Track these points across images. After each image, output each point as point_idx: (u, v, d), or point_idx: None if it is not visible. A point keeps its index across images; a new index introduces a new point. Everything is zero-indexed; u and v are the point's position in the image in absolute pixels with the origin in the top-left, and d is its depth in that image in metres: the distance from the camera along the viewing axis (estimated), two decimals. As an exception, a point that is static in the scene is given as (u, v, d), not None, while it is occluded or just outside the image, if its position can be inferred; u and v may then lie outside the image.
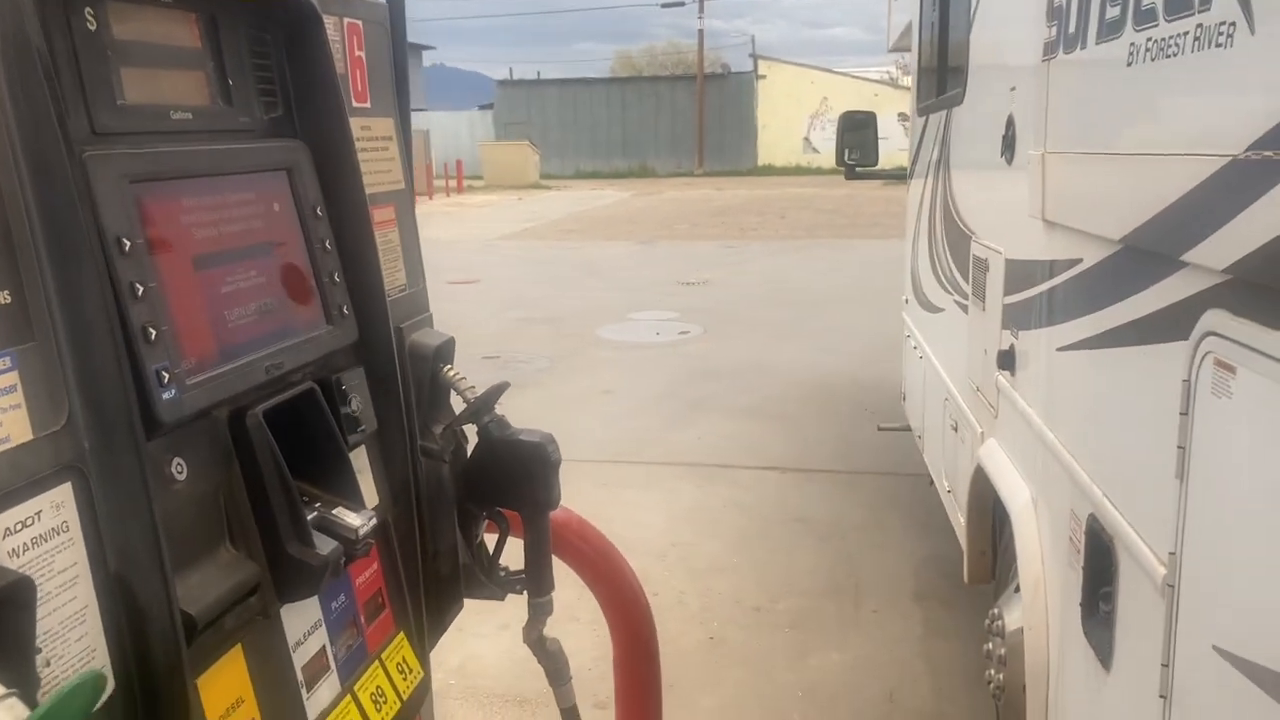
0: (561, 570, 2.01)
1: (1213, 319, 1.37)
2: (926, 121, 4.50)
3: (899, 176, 5.65)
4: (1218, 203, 1.31)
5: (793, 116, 38.06)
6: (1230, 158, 1.27)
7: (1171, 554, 1.48)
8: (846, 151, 5.99)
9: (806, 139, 38.08)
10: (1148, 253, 1.63)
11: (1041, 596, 2.34)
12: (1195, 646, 1.43)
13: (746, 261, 14.45)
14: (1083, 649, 1.95)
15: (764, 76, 39.33)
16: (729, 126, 38.91)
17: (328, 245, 1.35)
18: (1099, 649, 1.87)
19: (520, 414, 1.67)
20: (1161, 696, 1.51)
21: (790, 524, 5.01)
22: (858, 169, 6.03)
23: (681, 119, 39.42)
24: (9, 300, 0.89)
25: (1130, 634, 1.73)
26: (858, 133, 5.99)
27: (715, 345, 9.10)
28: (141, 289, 1.01)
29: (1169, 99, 1.55)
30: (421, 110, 38.37)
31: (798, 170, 36.80)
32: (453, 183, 30.72)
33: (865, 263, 12.97)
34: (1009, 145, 2.71)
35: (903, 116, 5.68)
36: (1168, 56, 1.49)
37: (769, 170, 37.63)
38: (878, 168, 6.19)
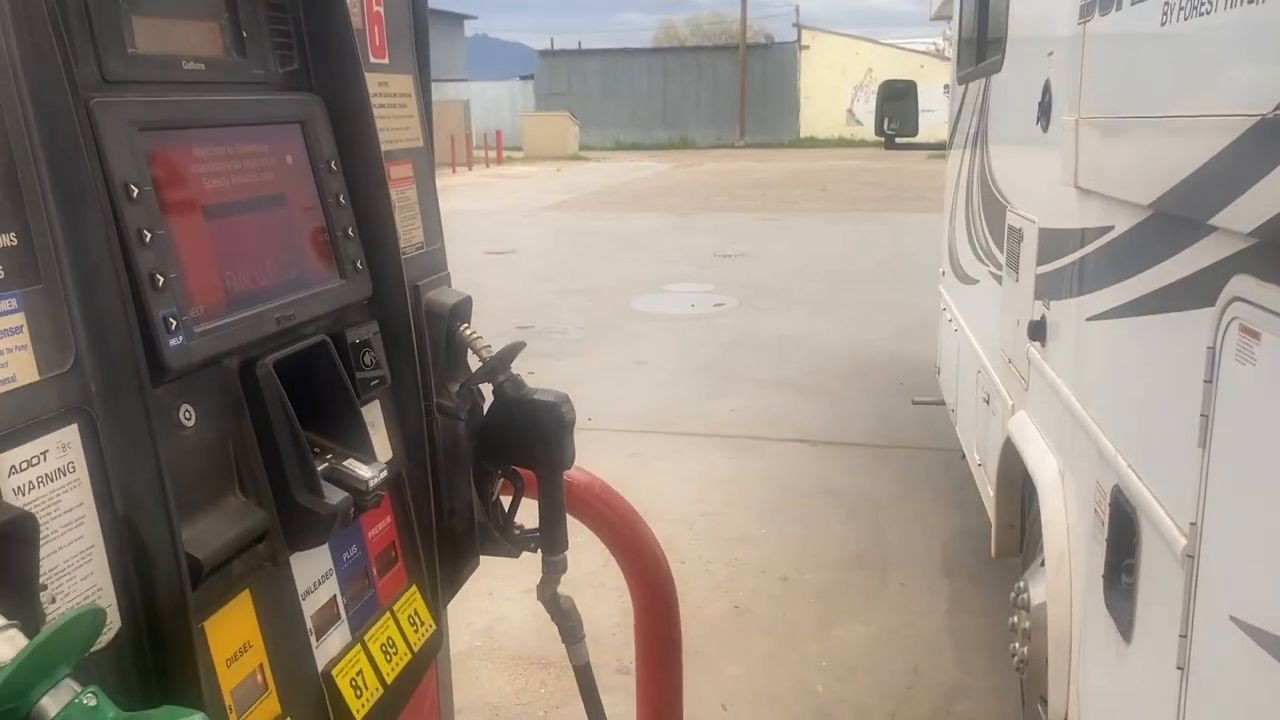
0: (587, 537, 2.02)
1: (1239, 284, 1.34)
2: (966, 91, 4.43)
3: (940, 148, 5.57)
4: (1247, 164, 1.28)
5: (836, 88, 37.56)
6: (1259, 117, 1.23)
7: (1192, 524, 1.46)
8: (886, 121, 5.92)
9: (850, 111, 37.57)
10: (1177, 218, 1.60)
11: (1066, 569, 2.32)
12: (1213, 617, 1.41)
13: (785, 235, 14.35)
14: (1104, 621, 1.94)
15: (807, 47, 38.83)
16: (771, 98, 38.50)
17: (341, 200, 1.35)
18: (1120, 621, 1.85)
19: (553, 384, 1.66)
20: (1179, 668, 1.49)
21: (820, 496, 5.00)
22: (897, 139, 5.96)
23: (723, 90, 39.05)
24: (15, 243, 0.90)
25: (1150, 605, 1.71)
26: (897, 102, 5.92)
27: (750, 318, 9.06)
28: (149, 236, 1.02)
29: (1201, 58, 1.52)
30: (462, 80, 38.35)
31: (841, 142, 36.38)
32: (492, 153, 30.74)
33: (906, 236, 12.82)
34: (1045, 112, 2.66)
35: (947, 89, 5.56)
36: (1201, 14, 1.45)
37: (811, 142, 37.24)
38: (918, 139, 6.11)
